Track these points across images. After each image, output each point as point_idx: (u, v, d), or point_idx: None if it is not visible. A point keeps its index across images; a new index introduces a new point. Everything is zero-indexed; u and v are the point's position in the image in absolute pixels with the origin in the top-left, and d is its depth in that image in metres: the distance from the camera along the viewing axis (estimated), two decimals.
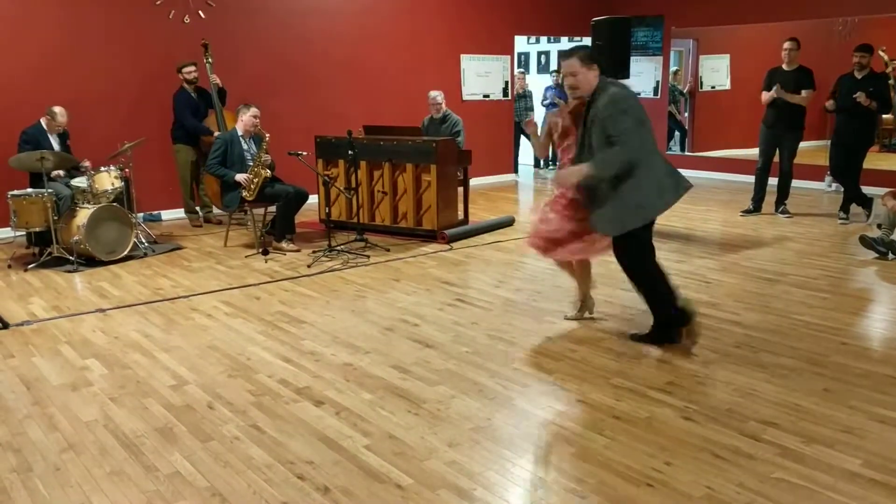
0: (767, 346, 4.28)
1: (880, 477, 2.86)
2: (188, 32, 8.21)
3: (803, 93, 7.61)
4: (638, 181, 3.93)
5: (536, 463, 3.01)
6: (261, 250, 6.65)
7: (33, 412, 3.56)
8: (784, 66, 7.81)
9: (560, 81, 12.03)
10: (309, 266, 6.18)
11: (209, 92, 7.81)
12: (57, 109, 6.71)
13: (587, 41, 9.50)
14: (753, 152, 8.25)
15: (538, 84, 12.76)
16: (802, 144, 7.96)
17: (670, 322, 4.21)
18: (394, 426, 3.34)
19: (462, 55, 10.62)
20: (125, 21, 7.94)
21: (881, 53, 8.10)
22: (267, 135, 6.75)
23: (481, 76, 10.89)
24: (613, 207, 3.99)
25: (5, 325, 4.77)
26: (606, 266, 6.09)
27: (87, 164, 6.73)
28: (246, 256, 6.60)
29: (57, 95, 6.96)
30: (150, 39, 8.10)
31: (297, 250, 6.71)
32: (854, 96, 7.24)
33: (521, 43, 12.52)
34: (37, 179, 6.36)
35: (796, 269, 5.97)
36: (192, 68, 7.76)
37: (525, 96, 11.96)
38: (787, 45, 7.78)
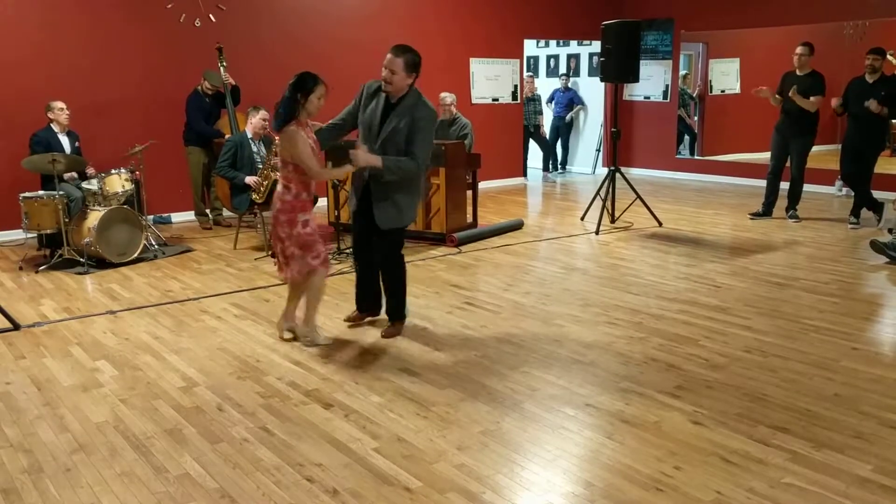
0: (777, 350, 4.26)
1: (891, 482, 2.85)
2: (199, 36, 8.25)
3: (812, 98, 7.58)
4: (416, 185, 4.52)
5: (545, 466, 3.01)
6: (270, 253, 6.65)
7: (44, 413, 3.58)
8: (797, 72, 7.79)
9: (568, 84, 12.26)
10: None
11: (222, 93, 7.85)
12: (55, 103, 6.80)
13: (597, 45, 9.49)
14: (763, 156, 8.23)
15: (547, 88, 12.76)
16: (813, 149, 7.92)
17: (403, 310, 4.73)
18: (403, 429, 3.35)
19: (471, 59, 10.63)
20: (137, 25, 7.98)
21: (889, 57, 8.06)
22: (276, 137, 6.76)
23: (490, 80, 10.89)
24: (397, 203, 4.44)
25: (17, 327, 4.80)
26: (616, 269, 6.11)
27: (91, 171, 6.77)
28: (255, 259, 6.62)
29: (69, 99, 6.99)
30: (161, 42, 8.14)
31: None
32: (865, 104, 7.20)
33: (530, 46, 12.52)
34: (48, 181, 6.41)
35: (806, 273, 5.95)
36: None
37: (534, 100, 11.95)
38: (798, 49, 7.76)
